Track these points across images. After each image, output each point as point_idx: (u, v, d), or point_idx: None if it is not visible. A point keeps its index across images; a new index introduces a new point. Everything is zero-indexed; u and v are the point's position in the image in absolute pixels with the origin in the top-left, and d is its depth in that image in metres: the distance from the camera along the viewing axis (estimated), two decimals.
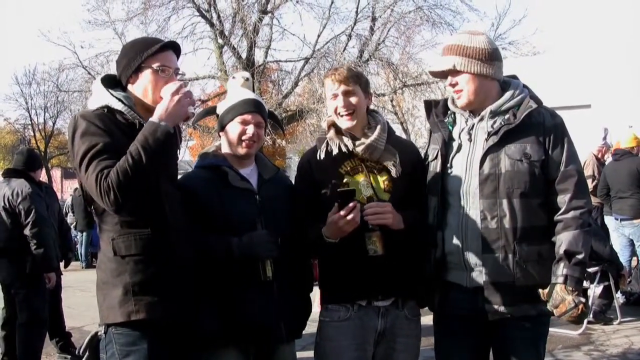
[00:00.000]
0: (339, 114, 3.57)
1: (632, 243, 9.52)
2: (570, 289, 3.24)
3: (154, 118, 3.05)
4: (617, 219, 9.58)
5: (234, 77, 3.84)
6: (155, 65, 3.23)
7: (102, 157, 2.99)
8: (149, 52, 3.22)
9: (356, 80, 3.54)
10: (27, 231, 6.87)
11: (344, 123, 3.57)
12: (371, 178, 3.56)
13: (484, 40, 3.47)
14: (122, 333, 3.12)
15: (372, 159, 3.57)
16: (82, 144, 3.02)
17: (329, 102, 3.62)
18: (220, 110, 3.72)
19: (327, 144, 3.62)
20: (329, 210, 3.39)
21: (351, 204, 3.29)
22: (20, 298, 7.01)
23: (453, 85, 3.51)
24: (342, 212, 3.28)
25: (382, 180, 3.57)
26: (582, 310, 3.23)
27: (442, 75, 3.60)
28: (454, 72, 3.47)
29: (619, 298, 8.76)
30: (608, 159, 10.45)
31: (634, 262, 9.93)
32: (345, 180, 3.56)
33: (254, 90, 3.93)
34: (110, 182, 2.93)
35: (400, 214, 3.45)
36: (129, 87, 3.27)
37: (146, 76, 3.23)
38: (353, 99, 3.53)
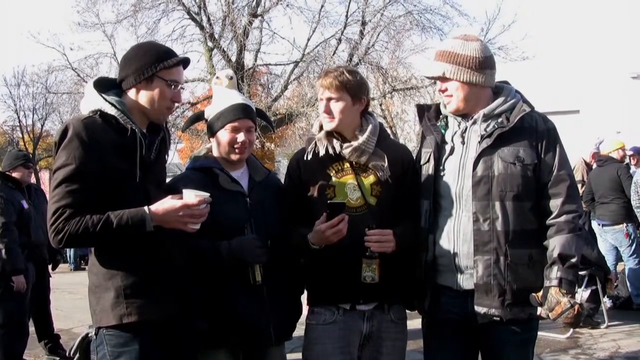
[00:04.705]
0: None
1: (616, 247, 9.58)
2: (565, 291, 3.26)
3: (151, 208, 3.05)
4: (599, 225, 9.66)
5: (217, 77, 3.80)
6: (169, 79, 3.22)
7: (72, 186, 2.99)
8: (165, 65, 3.21)
9: (341, 88, 3.50)
10: None
11: (326, 124, 3.59)
12: (359, 181, 3.56)
13: (477, 47, 3.45)
14: (113, 334, 3.12)
15: (360, 162, 3.57)
16: (60, 157, 3.03)
17: (319, 102, 3.64)
18: (208, 114, 3.72)
19: (315, 144, 3.63)
20: (315, 211, 3.42)
21: (339, 217, 3.32)
22: None
23: (443, 91, 3.52)
24: (329, 223, 3.31)
25: (370, 184, 3.57)
26: (578, 310, 3.25)
27: (435, 77, 3.61)
28: (444, 78, 3.48)
29: (606, 302, 8.79)
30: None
31: (619, 267, 9.98)
32: (332, 182, 3.57)
33: (239, 88, 3.92)
34: (68, 229, 2.97)
35: (394, 234, 3.45)
36: (132, 91, 3.24)
37: (156, 87, 3.21)
38: (335, 106, 3.52)
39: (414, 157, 3.72)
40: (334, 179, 3.57)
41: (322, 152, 3.58)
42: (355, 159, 3.56)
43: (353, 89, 3.53)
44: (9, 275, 6.89)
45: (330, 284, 3.54)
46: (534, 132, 3.42)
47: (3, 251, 6.83)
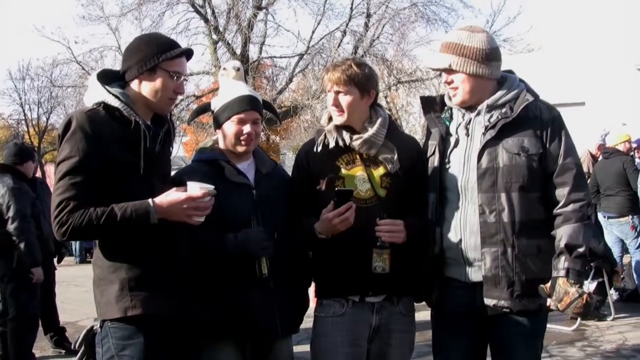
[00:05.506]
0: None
1: (621, 239, 9.56)
2: (572, 281, 3.24)
3: (155, 201, 3.04)
4: (604, 217, 9.64)
5: (224, 69, 3.78)
6: (171, 70, 3.20)
7: (75, 178, 2.98)
8: (168, 56, 3.19)
9: (349, 82, 3.48)
10: (9, 226, 6.88)
11: (335, 118, 3.57)
12: (368, 172, 3.55)
13: (483, 39, 3.42)
14: (118, 327, 3.12)
15: (369, 154, 3.55)
16: (63, 150, 3.02)
17: (327, 95, 3.61)
18: (214, 106, 3.69)
19: (325, 136, 3.60)
20: (324, 203, 3.39)
21: (346, 205, 3.30)
22: (8, 292, 7.03)
23: (448, 83, 3.50)
24: (337, 211, 3.29)
25: (379, 176, 3.55)
26: (586, 300, 3.22)
27: (440, 69, 3.59)
28: (450, 70, 3.46)
29: (612, 294, 8.78)
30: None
31: (625, 259, 9.96)
32: (341, 174, 3.55)
33: (245, 79, 3.89)
34: (72, 221, 2.96)
35: (404, 225, 3.44)
36: (134, 82, 3.23)
37: (159, 78, 3.20)
38: (344, 100, 3.50)
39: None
40: (343, 170, 3.55)
41: (332, 144, 3.56)
42: (365, 151, 3.54)
43: (361, 82, 3.51)
44: (27, 268, 6.91)
45: (340, 275, 3.52)
46: (538, 121, 3.39)
47: (23, 244, 6.84)
